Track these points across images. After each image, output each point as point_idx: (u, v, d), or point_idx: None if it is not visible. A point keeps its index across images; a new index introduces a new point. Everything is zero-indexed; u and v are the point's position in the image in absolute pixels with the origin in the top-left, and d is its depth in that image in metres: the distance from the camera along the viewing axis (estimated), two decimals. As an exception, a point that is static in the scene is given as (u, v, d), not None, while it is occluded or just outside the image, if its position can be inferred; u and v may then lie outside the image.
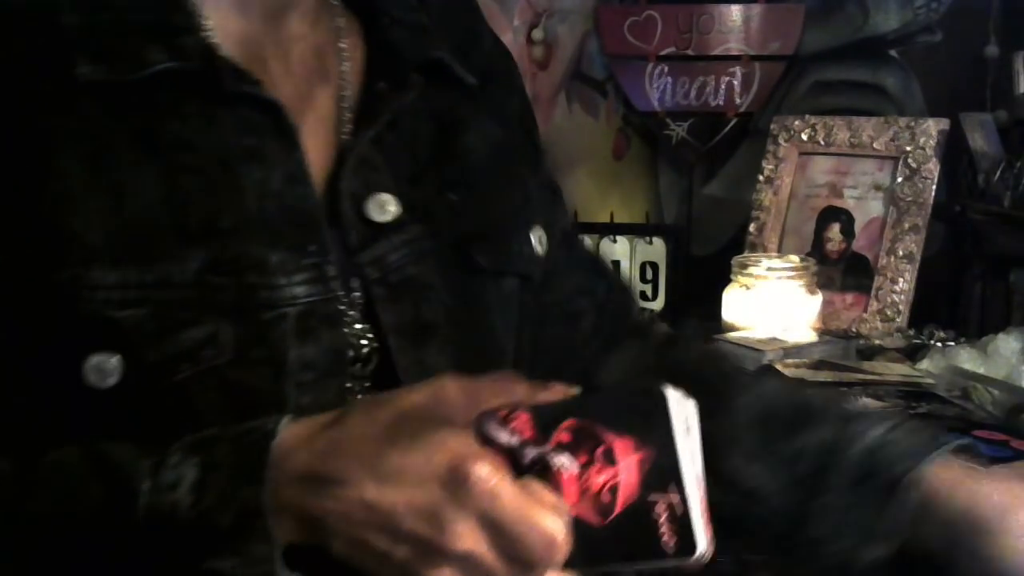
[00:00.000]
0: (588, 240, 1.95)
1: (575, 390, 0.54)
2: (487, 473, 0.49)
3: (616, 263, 1.94)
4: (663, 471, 0.50)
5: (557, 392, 0.54)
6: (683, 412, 0.51)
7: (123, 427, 0.59)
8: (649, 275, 1.92)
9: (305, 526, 0.53)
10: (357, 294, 0.67)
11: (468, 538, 0.49)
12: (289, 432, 0.55)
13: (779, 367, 1.28)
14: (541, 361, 0.80)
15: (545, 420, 0.52)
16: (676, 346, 0.87)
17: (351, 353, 0.66)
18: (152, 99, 0.61)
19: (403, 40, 0.73)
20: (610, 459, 0.50)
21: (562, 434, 0.51)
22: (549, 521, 0.49)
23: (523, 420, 0.52)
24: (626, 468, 0.50)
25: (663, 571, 0.52)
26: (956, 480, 0.66)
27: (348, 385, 0.66)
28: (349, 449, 0.52)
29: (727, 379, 0.78)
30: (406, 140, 0.72)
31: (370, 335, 0.68)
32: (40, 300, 0.58)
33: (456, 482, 0.49)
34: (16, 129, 0.58)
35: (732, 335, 1.46)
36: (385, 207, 0.68)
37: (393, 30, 0.74)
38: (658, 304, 1.91)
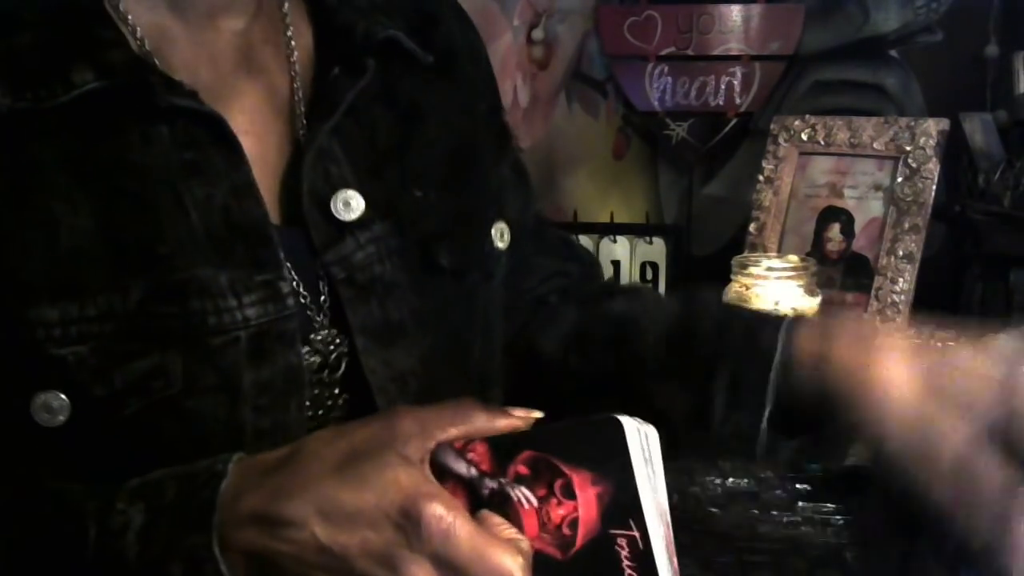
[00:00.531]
0: (588, 240, 1.95)
1: (536, 414, 0.53)
2: (440, 512, 0.48)
3: (616, 263, 1.94)
4: (623, 506, 0.48)
5: (516, 418, 0.52)
6: (641, 438, 0.49)
7: (77, 463, 0.57)
8: (649, 275, 1.92)
9: (257, 565, 0.52)
10: (323, 298, 0.66)
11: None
12: (239, 471, 0.53)
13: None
14: (515, 347, 0.78)
15: (502, 452, 0.51)
16: (610, 299, 0.82)
17: (318, 361, 0.65)
18: (83, 122, 0.58)
19: (353, 22, 0.69)
20: (569, 493, 0.49)
21: (519, 466, 0.50)
22: (506, 560, 0.48)
23: (480, 452, 0.51)
24: (585, 503, 0.49)
25: None
26: (815, 347, 0.64)
27: (316, 393, 0.64)
28: (300, 489, 0.50)
29: (640, 310, 0.77)
30: (365, 129, 0.69)
31: (338, 339, 0.66)
32: None
33: (409, 522, 0.48)
34: None
35: (732, 335, 1.46)
36: (350, 204, 0.66)
37: (342, 12, 0.70)
38: (658, 304, 1.91)
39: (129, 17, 0.62)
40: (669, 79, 2.07)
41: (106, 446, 0.58)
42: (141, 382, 0.57)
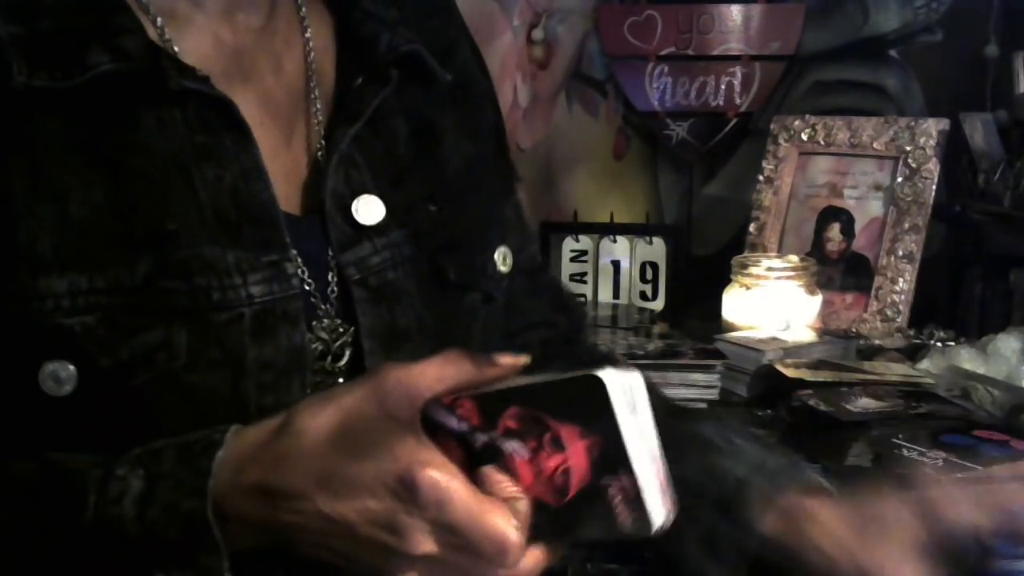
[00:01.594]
0: (588, 240, 1.95)
1: (523, 359, 0.53)
2: (436, 478, 0.49)
3: (616, 263, 1.94)
4: (611, 457, 0.50)
5: (503, 366, 0.52)
6: (625, 390, 0.50)
7: (83, 434, 0.58)
8: (649, 275, 1.92)
9: (265, 534, 0.53)
10: (331, 289, 0.67)
11: (426, 543, 0.50)
12: (237, 442, 0.54)
13: (779, 367, 1.28)
14: None
15: (490, 408, 0.52)
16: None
17: (320, 348, 0.66)
18: (97, 103, 0.59)
19: (377, 34, 0.72)
20: (558, 445, 0.50)
21: (508, 421, 0.51)
22: (500, 522, 0.49)
23: (468, 407, 0.52)
24: (574, 453, 0.50)
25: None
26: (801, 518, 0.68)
27: (318, 380, 0.66)
28: (299, 462, 0.52)
29: None
30: (383, 139, 0.71)
31: (342, 329, 0.67)
32: None
33: (406, 490, 0.49)
34: None
35: (732, 335, 1.46)
36: (371, 209, 0.68)
37: (367, 24, 0.72)
38: (658, 304, 1.91)
39: (150, 7, 0.64)
40: (669, 79, 2.07)
41: (110, 418, 0.59)
42: (147, 354, 0.58)
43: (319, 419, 0.52)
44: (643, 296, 1.92)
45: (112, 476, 0.54)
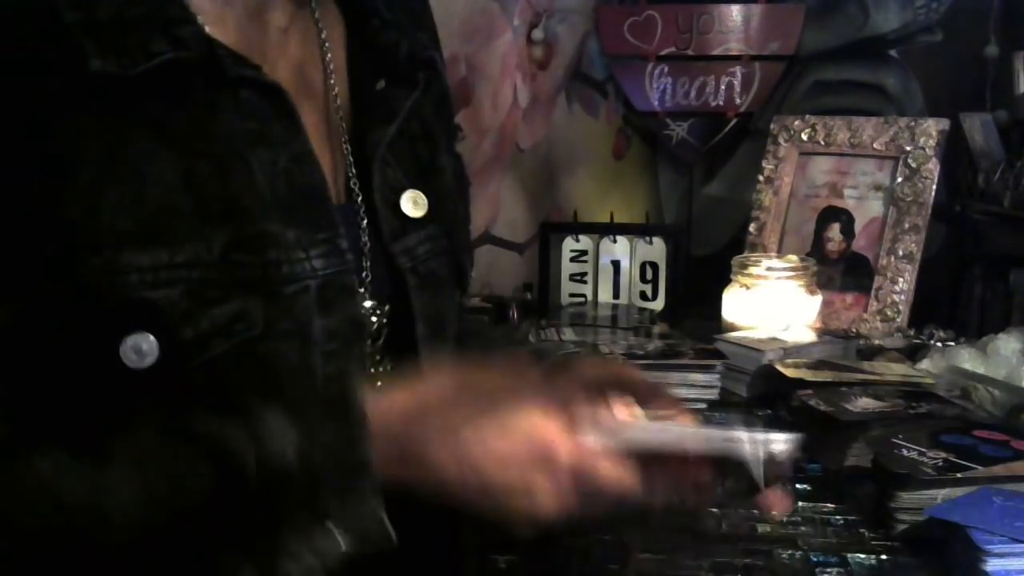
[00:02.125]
0: (588, 240, 1.95)
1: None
2: (571, 451, 0.60)
3: (616, 263, 1.94)
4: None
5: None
6: (762, 456, 0.62)
7: (158, 406, 0.61)
8: (649, 275, 1.92)
9: (398, 486, 0.60)
10: (365, 274, 0.71)
11: (556, 500, 0.60)
12: (376, 407, 0.61)
13: (779, 367, 1.28)
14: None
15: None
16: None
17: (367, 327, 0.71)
18: (157, 90, 0.62)
19: (397, 40, 0.76)
20: None
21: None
22: (624, 476, 0.61)
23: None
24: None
25: None
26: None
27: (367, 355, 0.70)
28: (444, 435, 0.60)
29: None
30: (408, 140, 0.76)
31: (379, 311, 0.72)
32: (73, 287, 0.59)
33: (546, 462, 0.59)
34: (35, 124, 0.59)
35: (732, 335, 1.46)
36: (417, 203, 0.74)
37: (386, 31, 0.76)
38: (658, 304, 1.91)
39: (192, 3, 0.66)
40: (669, 79, 2.07)
41: (185, 389, 0.61)
42: (226, 325, 0.61)
43: (465, 395, 0.62)
44: (643, 296, 1.92)
45: (265, 430, 0.59)
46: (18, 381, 0.60)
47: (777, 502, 0.67)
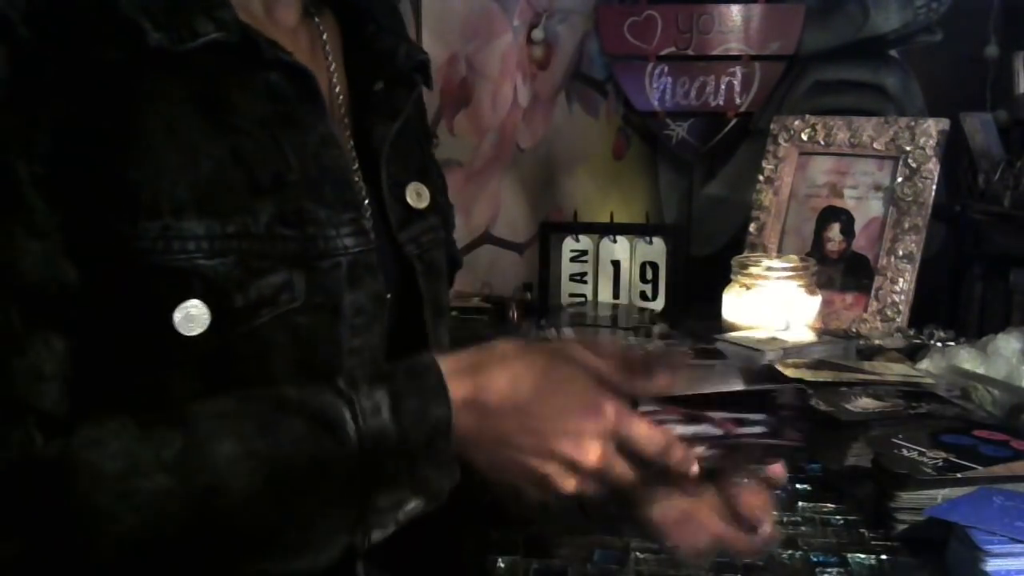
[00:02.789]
0: (588, 240, 1.94)
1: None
2: (642, 431, 0.64)
3: (616, 263, 1.94)
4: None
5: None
6: None
7: (205, 374, 0.63)
8: (649, 275, 1.92)
9: (465, 446, 0.63)
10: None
11: (600, 450, 0.63)
12: (442, 364, 0.63)
13: (779, 367, 1.28)
14: None
15: None
16: None
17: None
18: (204, 67, 0.65)
19: (395, 44, 0.80)
20: None
21: None
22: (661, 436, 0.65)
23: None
24: None
25: None
26: None
27: (384, 331, 0.72)
28: (513, 411, 0.63)
29: None
30: (406, 136, 0.79)
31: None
32: (132, 254, 0.61)
33: (596, 412, 0.63)
34: (99, 92, 0.61)
35: (732, 335, 1.46)
36: (421, 194, 0.78)
37: (383, 36, 0.80)
38: (658, 304, 1.91)
39: None
40: (669, 79, 2.07)
41: (228, 357, 0.64)
42: (273, 296, 0.64)
43: (534, 370, 0.64)
44: (643, 296, 1.92)
45: (358, 395, 0.61)
46: (82, 347, 0.61)
47: (780, 470, 0.73)
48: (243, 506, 0.58)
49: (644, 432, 0.65)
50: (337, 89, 0.77)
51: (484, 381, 0.63)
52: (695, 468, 0.66)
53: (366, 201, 0.73)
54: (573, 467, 0.63)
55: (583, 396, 0.64)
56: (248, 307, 0.63)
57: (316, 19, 0.78)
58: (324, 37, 0.78)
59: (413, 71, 0.80)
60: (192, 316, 0.62)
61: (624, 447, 0.64)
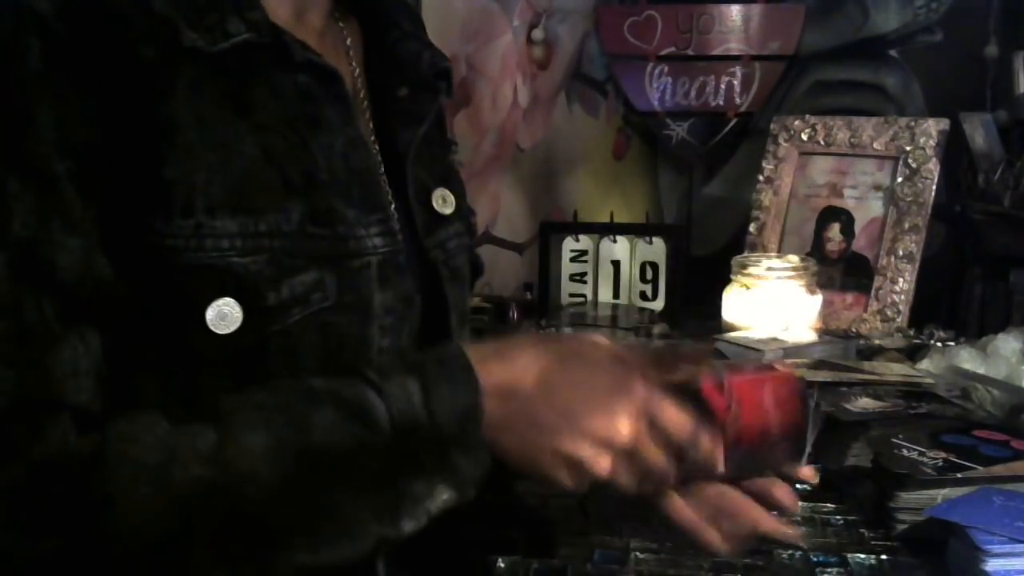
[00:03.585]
0: (588, 240, 1.94)
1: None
2: (671, 413, 0.64)
3: (616, 263, 1.94)
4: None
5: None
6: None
7: (236, 372, 0.63)
8: (649, 275, 1.92)
9: (496, 432, 0.62)
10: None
11: (632, 427, 0.63)
12: (470, 354, 0.63)
13: (779, 367, 1.28)
14: None
15: None
16: None
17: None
18: (236, 67, 0.65)
19: (418, 51, 0.80)
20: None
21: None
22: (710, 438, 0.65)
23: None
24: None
25: None
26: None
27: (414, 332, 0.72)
28: (543, 394, 0.62)
29: None
30: (429, 142, 0.80)
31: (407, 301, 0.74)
32: (161, 253, 0.61)
33: (626, 391, 0.63)
34: (135, 89, 0.61)
35: (732, 335, 1.46)
36: (447, 200, 0.79)
37: (408, 42, 0.80)
38: (658, 304, 1.90)
39: None
40: (669, 79, 2.07)
41: (259, 357, 0.64)
42: (304, 294, 0.65)
43: (542, 338, 0.65)
44: (643, 296, 1.92)
45: (388, 383, 0.60)
46: (115, 343, 0.61)
47: (809, 472, 0.73)
48: (277, 496, 0.58)
49: (673, 415, 0.64)
50: (361, 94, 0.78)
51: (511, 366, 0.63)
52: (721, 464, 0.66)
53: (392, 206, 0.73)
54: (607, 446, 0.62)
55: (611, 375, 0.64)
56: (280, 305, 0.64)
57: (341, 24, 0.79)
58: (348, 42, 0.79)
59: (436, 77, 0.81)
60: (225, 314, 0.62)
61: (654, 430, 0.64)
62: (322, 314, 0.65)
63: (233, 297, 0.62)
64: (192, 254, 0.61)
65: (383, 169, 0.75)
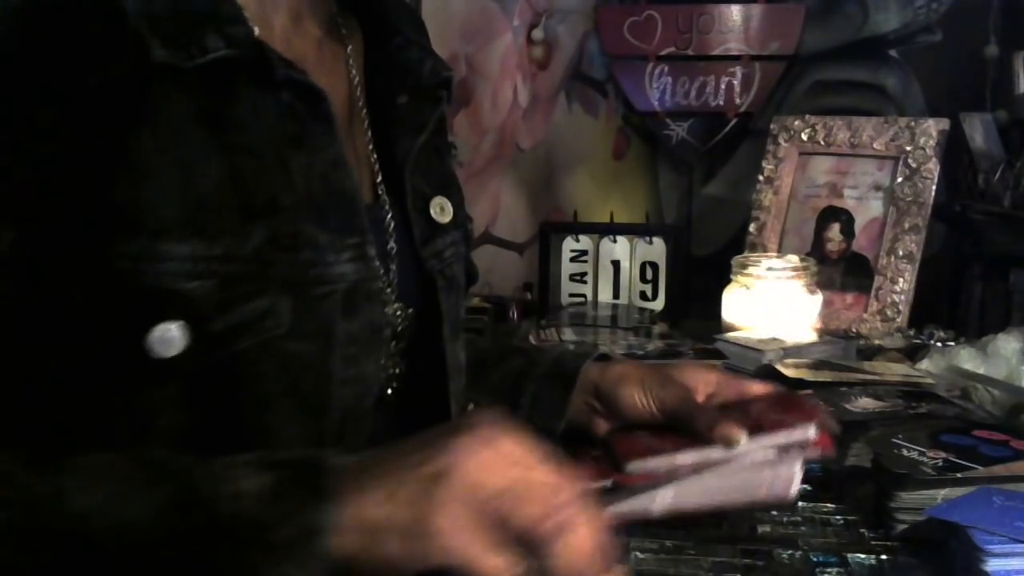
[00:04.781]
0: (588, 240, 1.94)
1: None
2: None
3: (616, 263, 1.94)
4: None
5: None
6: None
7: (188, 399, 0.61)
8: (649, 275, 1.92)
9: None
10: (394, 277, 0.73)
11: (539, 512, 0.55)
12: (347, 472, 0.55)
13: (779, 367, 1.28)
14: None
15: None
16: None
17: (388, 331, 0.71)
18: (212, 84, 0.63)
19: (420, 59, 0.79)
20: None
21: None
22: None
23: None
24: None
25: None
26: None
27: (382, 362, 0.70)
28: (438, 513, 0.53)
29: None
30: (428, 151, 0.79)
31: (399, 313, 0.73)
32: (104, 274, 0.59)
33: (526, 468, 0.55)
34: (93, 106, 0.60)
35: (732, 335, 1.46)
36: (445, 209, 0.78)
37: (410, 49, 0.79)
38: (658, 304, 1.91)
39: (240, 4, 0.68)
40: (669, 79, 2.07)
41: (208, 385, 0.62)
42: (254, 321, 0.62)
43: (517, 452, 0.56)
44: (643, 296, 1.92)
45: (234, 471, 0.54)
46: (56, 369, 0.59)
47: (828, 444, 0.74)
48: (81, 562, 0.53)
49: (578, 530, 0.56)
50: (361, 101, 0.77)
51: (371, 494, 0.53)
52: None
53: (389, 216, 0.72)
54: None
55: (511, 453, 0.54)
56: (228, 331, 0.61)
57: (343, 30, 0.78)
58: (349, 48, 0.78)
59: (438, 87, 0.80)
60: (167, 338, 0.60)
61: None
62: (277, 341, 0.63)
63: (178, 321, 0.60)
64: (139, 276, 0.59)
65: (381, 178, 0.74)
